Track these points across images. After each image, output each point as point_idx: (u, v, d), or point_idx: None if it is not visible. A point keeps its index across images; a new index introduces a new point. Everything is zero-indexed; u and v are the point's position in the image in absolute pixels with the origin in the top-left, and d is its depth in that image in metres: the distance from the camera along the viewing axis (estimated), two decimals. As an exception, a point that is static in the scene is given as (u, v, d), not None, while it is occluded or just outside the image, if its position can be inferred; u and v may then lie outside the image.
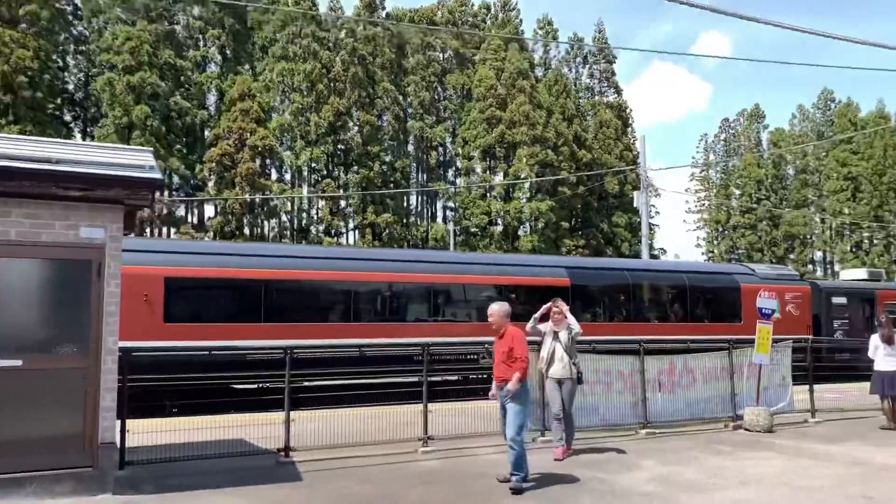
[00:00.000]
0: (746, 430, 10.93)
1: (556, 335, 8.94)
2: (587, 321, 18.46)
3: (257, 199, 44.63)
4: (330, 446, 8.78)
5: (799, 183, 69.33)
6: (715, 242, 71.93)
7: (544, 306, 9.07)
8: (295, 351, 8.68)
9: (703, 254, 71.68)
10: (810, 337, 18.95)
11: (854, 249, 64.54)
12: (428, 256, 19.72)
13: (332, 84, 48.19)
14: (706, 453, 9.24)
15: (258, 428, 9.02)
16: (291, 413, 8.64)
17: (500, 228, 52.92)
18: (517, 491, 6.96)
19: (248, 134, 43.84)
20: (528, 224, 53.38)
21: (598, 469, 8.18)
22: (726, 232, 70.89)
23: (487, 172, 55.08)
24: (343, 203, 49.86)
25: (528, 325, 8.89)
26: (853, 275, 26.16)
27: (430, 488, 7.27)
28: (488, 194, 53.32)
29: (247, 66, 50.96)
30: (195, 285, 14.57)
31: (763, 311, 11.61)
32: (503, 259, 22.34)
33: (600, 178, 53.68)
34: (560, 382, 8.84)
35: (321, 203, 49.45)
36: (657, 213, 65.72)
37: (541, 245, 50.02)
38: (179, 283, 14.33)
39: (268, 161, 48.18)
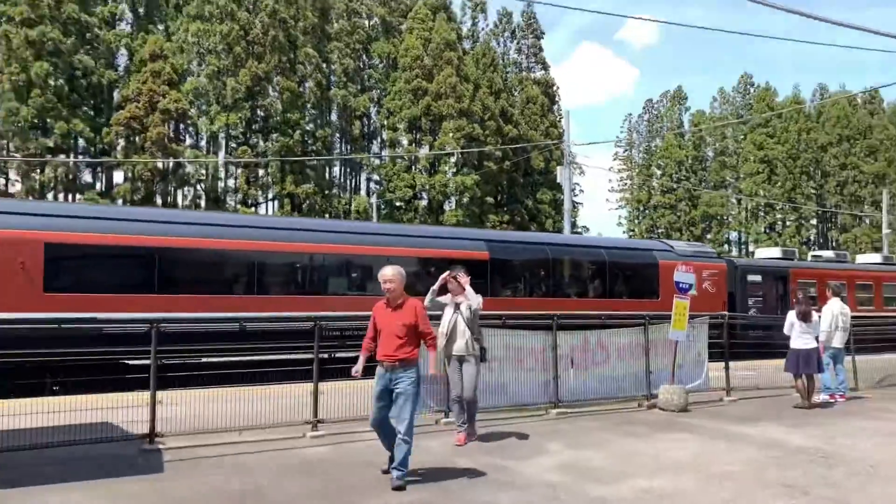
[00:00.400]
0: (661, 409, 10.49)
1: (457, 307, 8.08)
2: (506, 296, 17.91)
3: (169, 165, 42.38)
4: (207, 431, 7.86)
5: (718, 165, 70.92)
6: (636, 221, 73.23)
7: (441, 277, 8.12)
8: (162, 324, 7.65)
9: (624, 232, 72.91)
10: (727, 313, 18.89)
11: (767, 231, 66.51)
12: (341, 227, 18.73)
13: (250, 47, 46.02)
14: (618, 435, 8.69)
15: (132, 410, 8.03)
16: (161, 394, 7.71)
17: (424, 202, 52.01)
18: (401, 487, 6.10)
19: (160, 97, 41.47)
20: (452, 198, 52.62)
21: (501, 455, 7.48)
22: (647, 211, 72.24)
23: (413, 145, 53.99)
24: (261, 172, 47.95)
25: (427, 300, 7.85)
26: (768, 253, 26.42)
27: (308, 480, 6.41)
28: (413, 167, 52.23)
29: (161, 26, 48.24)
30: (81, 252, 13.22)
31: (680, 285, 11.19)
32: (421, 231, 21.53)
33: (526, 153, 53.31)
34: (461, 361, 7.99)
35: (238, 171, 47.46)
36: (581, 191, 66.35)
37: (465, 220, 49.35)
38: (62, 249, 12.99)
39: (181, 126, 45.84)
